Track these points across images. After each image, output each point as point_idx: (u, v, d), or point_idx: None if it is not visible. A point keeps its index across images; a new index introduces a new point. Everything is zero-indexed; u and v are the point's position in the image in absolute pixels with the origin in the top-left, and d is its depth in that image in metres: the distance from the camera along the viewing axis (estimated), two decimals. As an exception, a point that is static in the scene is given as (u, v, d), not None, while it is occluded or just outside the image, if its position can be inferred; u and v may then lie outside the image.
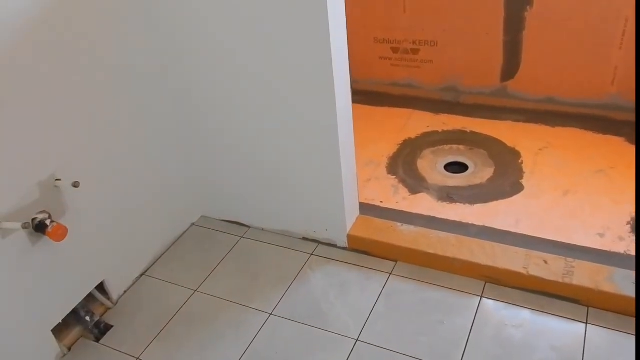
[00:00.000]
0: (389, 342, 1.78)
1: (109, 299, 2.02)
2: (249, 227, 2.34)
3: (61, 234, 1.62)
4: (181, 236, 2.33)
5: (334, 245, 2.18)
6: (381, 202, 2.30)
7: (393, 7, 2.83)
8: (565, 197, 2.22)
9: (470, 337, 1.76)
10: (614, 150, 2.44)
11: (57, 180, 1.69)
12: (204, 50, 1.90)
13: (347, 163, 1.98)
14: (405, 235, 2.08)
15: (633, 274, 1.80)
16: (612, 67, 2.54)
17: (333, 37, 1.67)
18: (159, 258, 2.23)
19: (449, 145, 2.62)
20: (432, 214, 2.20)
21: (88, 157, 1.81)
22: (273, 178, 2.12)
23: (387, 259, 2.08)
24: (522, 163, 2.44)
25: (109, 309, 2.02)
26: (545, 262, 1.88)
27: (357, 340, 1.80)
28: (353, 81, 1.92)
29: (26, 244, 1.65)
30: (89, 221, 1.85)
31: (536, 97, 2.77)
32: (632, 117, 2.57)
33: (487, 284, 1.93)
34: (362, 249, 2.13)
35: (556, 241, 2.00)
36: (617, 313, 1.77)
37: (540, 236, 2.03)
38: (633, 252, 1.91)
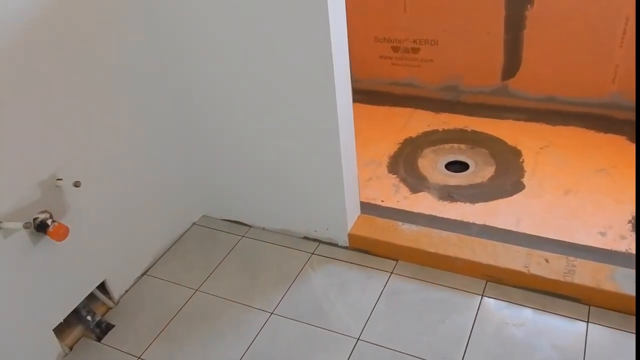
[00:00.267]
0: (390, 342, 1.78)
1: (110, 298, 2.02)
2: (250, 226, 2.34)
3: (62, 233, 1.62)
4: (182, 236, 2.33)
5: (335, 245, 2.18)
6: (382, 201, 2.30)
7: (393, 6, 2.83)
8: (566, 195, 2.22)
9: (471, 336, 1.76)
10: (615, 149, 2.44)
11: (58, 179, 1.69)
12: (204, 50, 1.90)
13: (348, 162, 1.98)
14: (407, 235, 2.08)
15: (634, 272, 1.79)
16: (613, 66, 2.53)
17: (333, 37, 1.67)
18: (160, 257, 2.23)
19: (450, 144, 2.62)
20: (433, 213, 2.20)
21: (89, 156, 1.81)
22: (274, 177, 2.12)
23: (388, 258, 2.08)
24: (523, 162, 2.44)
25: (110, 308, 2.02)
26: (547, 261, 1.88)
27: (358, 339, 1.80)
28: (353, 80, 1.92)
29: (27, 244, 1.65)
30: (90, 221, 1.86)
31: (537, 96, 2.77)
32: (633, 115, 2.57)
33: (488, 283, 1.93)
34: (363, 248, 2.13)
35: (557, 240, 2.00)
36: (619, 312, 1.76)
37: (542, 235, 2.03)
38: (634, 251, 1.91)
